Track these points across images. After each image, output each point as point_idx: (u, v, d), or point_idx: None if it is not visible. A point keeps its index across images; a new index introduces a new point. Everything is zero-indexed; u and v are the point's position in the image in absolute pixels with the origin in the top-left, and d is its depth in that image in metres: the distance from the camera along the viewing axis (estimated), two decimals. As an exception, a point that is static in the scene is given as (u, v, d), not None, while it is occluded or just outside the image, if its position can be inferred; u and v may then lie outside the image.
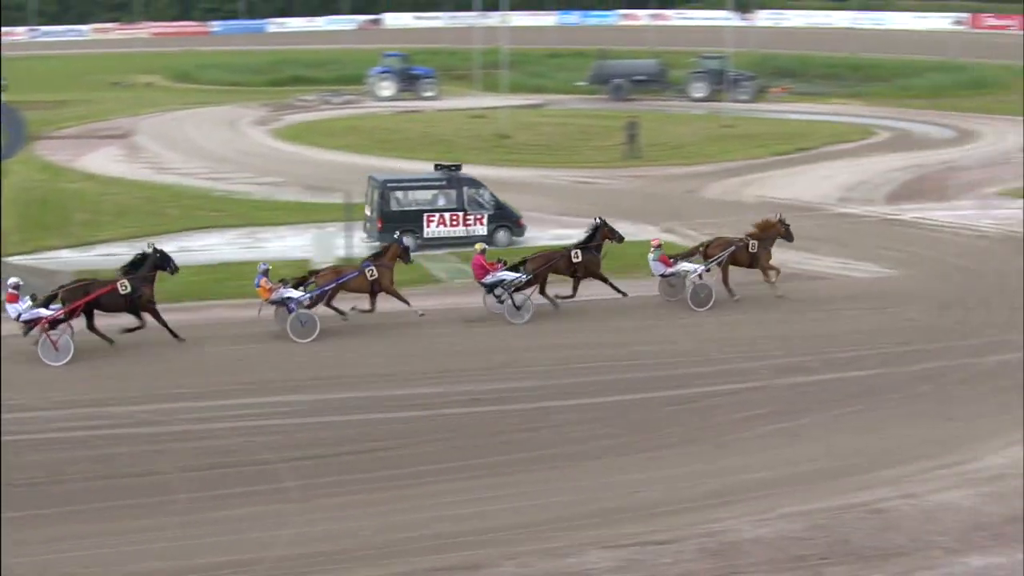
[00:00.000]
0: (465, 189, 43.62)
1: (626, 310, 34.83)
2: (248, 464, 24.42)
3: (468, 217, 43.24)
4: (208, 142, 68.45)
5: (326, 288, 32.83)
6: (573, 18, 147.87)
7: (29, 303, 30.45)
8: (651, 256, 35.51)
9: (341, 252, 37.34)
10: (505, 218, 43.93)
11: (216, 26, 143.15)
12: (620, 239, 36.27)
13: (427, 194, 43.64)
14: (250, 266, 35.52)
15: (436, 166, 45.21)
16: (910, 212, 48.94)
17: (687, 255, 36.12)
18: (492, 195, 43.94)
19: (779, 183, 55.63)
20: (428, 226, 42.86)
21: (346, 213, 40.98)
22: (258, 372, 29.84)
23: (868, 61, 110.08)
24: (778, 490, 22.99)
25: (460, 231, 42.98)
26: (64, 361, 30.15)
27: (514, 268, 34.47)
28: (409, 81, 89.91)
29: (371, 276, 33.36)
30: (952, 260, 40.28)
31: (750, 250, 35.88)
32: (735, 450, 25.01)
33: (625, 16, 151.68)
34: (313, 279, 33.21)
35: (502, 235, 43.52)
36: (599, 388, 28.65)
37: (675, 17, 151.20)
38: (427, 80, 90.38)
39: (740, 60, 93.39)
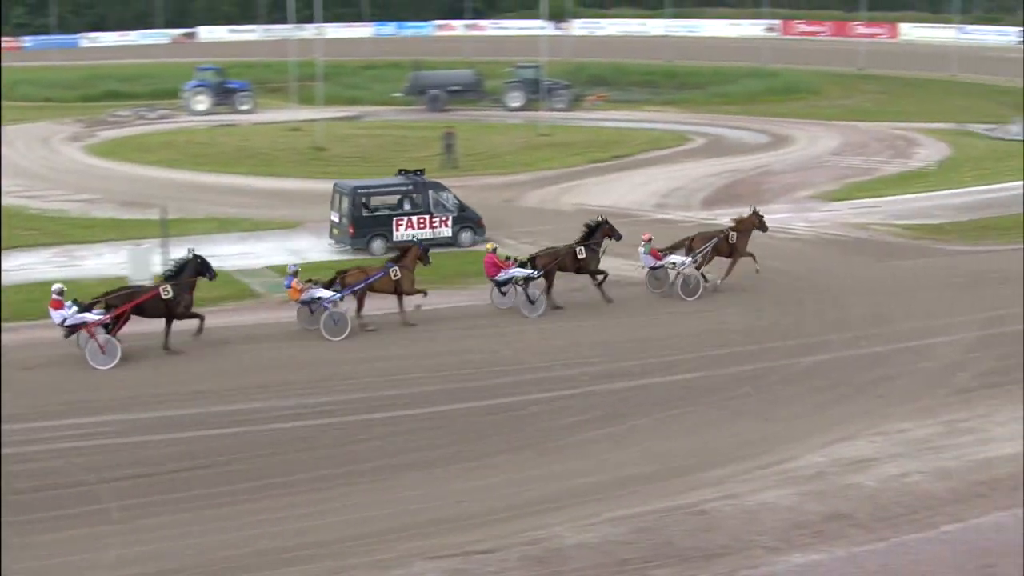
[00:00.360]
0: (430, 193, 45.01)
1: (448, 320, 34.93)
2: (67, 486, 23.89)
3: (434, 220, 44.68)
4: (22, 159, 66.71)
5: (356, 287, 34.08)
6: (389, 29, 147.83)
7: (75, 308, 31.32)
8: (642, 249, 37.60)
9: (158, 269, 36.76)
10: (467, 219, 45.41)
11: (28, 41, 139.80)
12: (619, 237, 38.00)
13: (395, 199, 45.03)
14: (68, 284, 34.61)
15: (399, 171, 46.40)
16: (726, 217, 49.62)
17: (673, 248, 38.14)
18: (455, 198, 45.52)
19: (597, 190, 56.27)
20: (397, 230, 44.11)
21: (162, 229, 40.42)
22: (76, 393, 29.12)
23: (683, 68, 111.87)
24: (602, 495, 23.23)
25: (427, 233, 44.09)
26: (112, 364, 30.88)
27: (523, 265, 36.21)
28: (224, 95, 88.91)
29: (395, 276, 34.60)
30: (767, 263, 40.99)
31: (730, 241, 38.58)
32: (559, 457, 25.20)
33: (440, 27, 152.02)
34: (340, 279, 34.33)
35: (466, 236, 45.15)
36: (423, 399, 28.64)
37: (490, 27, 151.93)
38: (242, 93, 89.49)
39: (556, 69, 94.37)
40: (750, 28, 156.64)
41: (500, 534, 21.66)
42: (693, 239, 38.41)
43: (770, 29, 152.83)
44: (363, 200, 44.25)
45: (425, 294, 35.22)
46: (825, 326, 34.41)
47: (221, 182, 55.61)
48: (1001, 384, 29.65)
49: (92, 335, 31.08)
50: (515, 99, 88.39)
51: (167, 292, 32.41)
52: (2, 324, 32.94)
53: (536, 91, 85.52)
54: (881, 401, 28.50)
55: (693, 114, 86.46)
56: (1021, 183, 56.90)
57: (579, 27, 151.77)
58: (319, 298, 33.61)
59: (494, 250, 36.49)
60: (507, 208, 51.83)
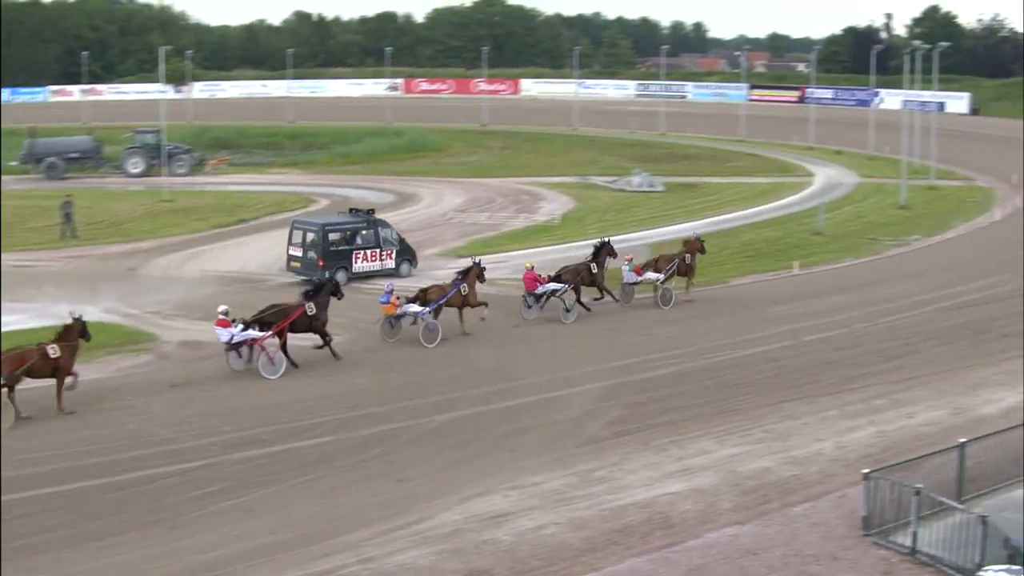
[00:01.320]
0: (379, 229, 50.70)
1: (70, 398, 33.65)
2: None
3: (383, 253, 50.28)
4: None
5: (440, 301, 40.20)
6: (3, 96, 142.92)
7: (241, 327, 35.53)
8: (626, 268, 45.54)
9: None
10: (407, 253, 51.40)
11: None
12: (615, 255, 45.26)
13: (356, 234, 50.21)
14: None
15: (351, 210, 53.01)
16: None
17: (646, 267, 46.23)
18: (397, 234, 51.58)
19: (224, 255, 55.77)
20: (356, 262, 49.58)
21: None
22: None
23: (306, 129, 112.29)
24: (236, 567, 22.90)
25: (376, 265, 49.99)
26: (279, 374, 35.26)
27: (554, 279, 43.40)
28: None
29: (464, 292, 40.69)
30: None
31: (687, 262, 46.75)
32: (190, 530, 24.68)
33: (56, 92, 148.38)
34: (423, 296, 40.48)
35: (405, 267, 50.93)
36: (45, 479, 27.51)
37: (108, 92, 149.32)
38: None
39: (177, 133, 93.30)
40: (373, 87, 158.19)
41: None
42: (658, 260, 46.87)
43: (393, 88, 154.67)
44: (331, 236, 49.25)
45: (487, 305, 41.36)
46: (456, 383, 34.95)
47: None
48: (631, 432, 30.78)
49: (263, 348, 35.63)
50: (135, 165, 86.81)
51: (311, 310, 37.04)
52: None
53: (157, 156, 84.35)
54: (514, 455, 29.07)
55: (318, 175, 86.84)
56: (644, 232, 59.31)
57: (200, 89, 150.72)
58: (412, 312, 39.81)
59: (532, 267, 43.70)
60: (131, 277, 50.37)
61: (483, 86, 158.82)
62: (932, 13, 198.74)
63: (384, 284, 42.28)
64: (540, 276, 43.38)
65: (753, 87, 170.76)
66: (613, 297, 45.18)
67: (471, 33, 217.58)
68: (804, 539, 24.13)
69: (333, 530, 24.62)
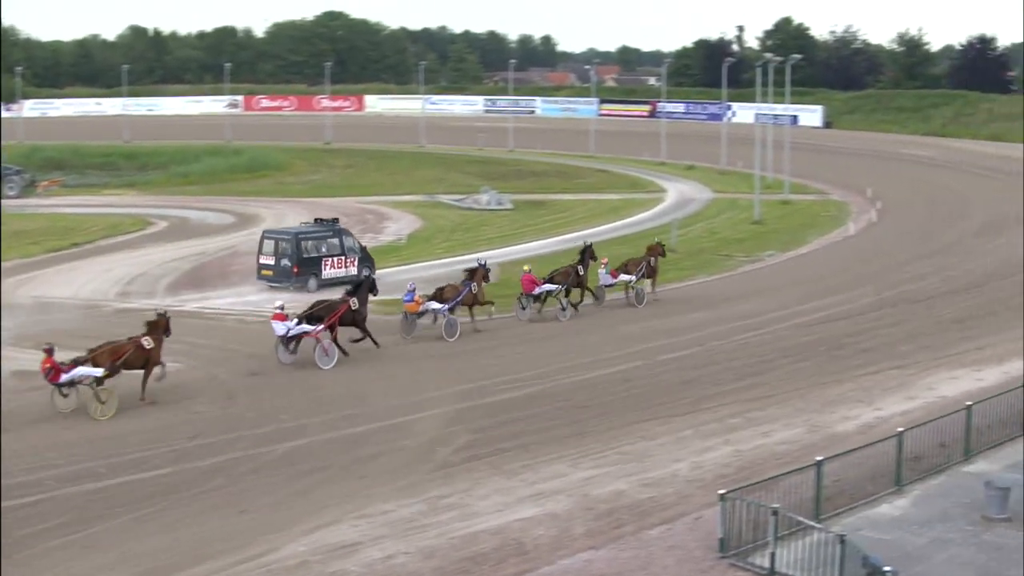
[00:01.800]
0: (343, 237, 54.74)
1: None
2: None
3: (347, 260, 54.18)
4: None
5: (457, 299, 44.44)
6: None
7: (296, 321, 39.64)
8: (602, 271, 50.34)
9: None
10: (367, 259, 55.23)
11: None
12: (596, 259, 50.09)
13: (324, 243, 53.92)
14: None
15: (316, 220, 56.69)
16: (193, 303, 49.56)
17: (619, 270, 50.99)
18: (358, 242, 55.79)
19: (57, 280, 54.89)
20: (325, 269, 53.33)
21: None
22: None
23: (143, 149, 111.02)
24: (71, 607, 22.45)
25: (341, 272, 53.52)
26: (332, 364, 39.35)
27: (549, 280, 47.98)
28: None
29: (474, 291, 44.88)
30: (237, 347, 41.19)
31: (651, 264, 51.59)
32: (25, 569, 24.14)
33: None
34: (439, 294, 44.68)
35: (365, 273, 51.99)
36: None
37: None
38: None
39: (7, 153, 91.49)
40: (212, 104, 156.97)
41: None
42: (628, 263, 51.38)
43: (232, 105, 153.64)
44: (303, 244, 52.78)
45: (494, 304, 46.12)
46: (302, 409, 34.72)
47: None
48: (482, 456, 30.81)
49: (318, 340, 39.54)
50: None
51: (354, 304, 40.89)
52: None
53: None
54: (363, 483, 28.95)
55: (155, 196, 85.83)
56: (492, 252, 59.51)
57: (31, 107, 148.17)
58: (434, 309, 44.15)
59: (530, 270, 48.07)
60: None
61: (326, 103, 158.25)
62: (784, 25, 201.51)
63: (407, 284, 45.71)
64: (538, 279, 47.79)
65: (603, 101, 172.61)
66: (595, 296, 50.26)
67: (313, 48, 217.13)
68: (660, 563, 24.29)
69: (176, 565, 24.27)
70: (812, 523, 24.06)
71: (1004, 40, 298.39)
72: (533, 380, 38.20)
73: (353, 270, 53.70)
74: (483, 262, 46.84)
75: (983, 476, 27.54)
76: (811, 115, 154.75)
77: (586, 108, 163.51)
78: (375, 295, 43.49)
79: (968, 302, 50.84)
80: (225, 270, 57.28)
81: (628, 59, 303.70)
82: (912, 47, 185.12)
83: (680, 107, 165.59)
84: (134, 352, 35.32)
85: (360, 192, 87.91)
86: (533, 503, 27.53)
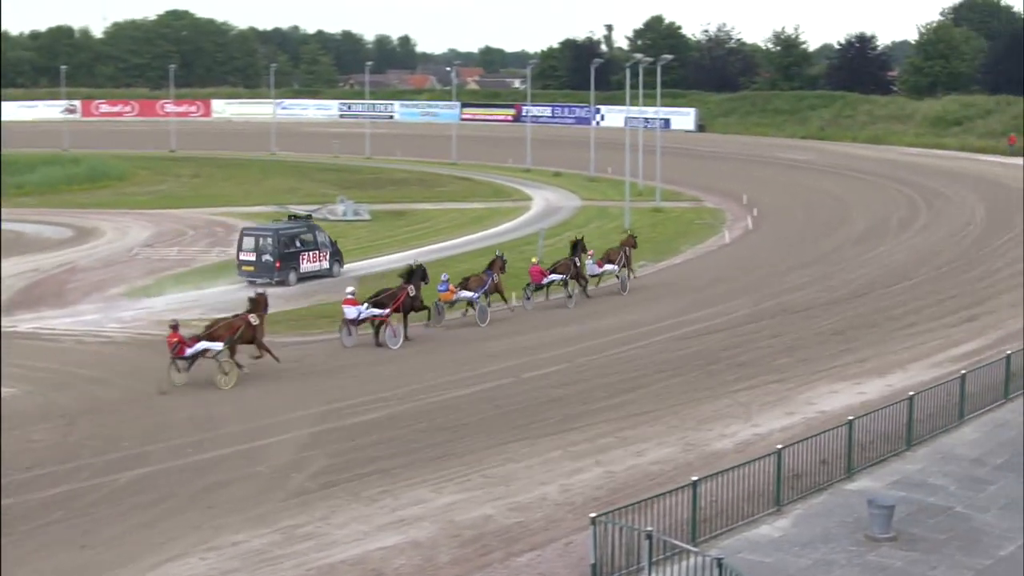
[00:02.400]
0: (316, 232, 60.22)
1: None
2: None
3: (320, 255, 59.73)
4: None
5: (484, 288, 50.34)
6: None
7: (366, 306, 45.53)
8: (589, 261, 56.91)
9: None
10: (337, 254, 61.12)
11: None
12: (586, 250, 56.64)
13: (299, 239, 59.06)
14: None
15: (290, 216, 62.28)
16: (27, 323, 48.77)
17: (603, 259, 57.77)
18: (328, 237, 60.98)
19: None
20: (303, 263, 58.78)
21: None
22: None
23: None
24: None
25: (316, 266, 59.56)
26: (399, 345, 45.32)
27: (553, 271, 54.39)
28: None
29: (495, 280, 50.93)
30: (75, 371, 40.63)
31: (626, 254, 58.44)
32: None
33: None
34: (465, 284, 50.54)
35: (336, 268, 60.89)
36: None
37: None
38: None
39: None
40: (47, 110, 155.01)
41: None
42: (610, 252, 58.24)
43: (69, 110, 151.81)
44: (283, 239, 57.45)
45: (515, 295, 52.91)
46: (145, 435, 34.28)
47: None
48: (338, 483, 30.60)
49: (387, 323, 45.59)
50: None
51: (413, 291, 46.86)
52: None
53: None
54: (212, 512, 28.63)
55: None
56: (350, 265, 59.53)
57: None
58: (467, 297, 49.83)
59: (538, 262, 55.01)
60: None
61: (170, 107, 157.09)
62: (655, 24, 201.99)
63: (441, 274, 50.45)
64: (545, 269, 54.23)
65: (465, 105, 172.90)
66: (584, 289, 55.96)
67: (156, 49, 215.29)
68: (529, 591, 24.31)
69: (10, 605, 23.91)
70: (688, 546, 24.13)
71: (884, 39, 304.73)
72: (394, 400, 38.08)
73: (326, 264, 59.97)
74: (500, 253, 53.04)
75: (866, 494, 27.90)
76: (684, 118, 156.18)
77: (447, 112, 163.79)
78: (426, 283, 48.38)
79: (849, 313, 51.49)
80: (63, 287, 56.43)
81: (491, 60, 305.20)
82: (789, 46, 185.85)
83: (546, 111, 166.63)
84: (245, 328, 40.76)
85: (208, 203, 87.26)
86: (394, 531, 27.39)
